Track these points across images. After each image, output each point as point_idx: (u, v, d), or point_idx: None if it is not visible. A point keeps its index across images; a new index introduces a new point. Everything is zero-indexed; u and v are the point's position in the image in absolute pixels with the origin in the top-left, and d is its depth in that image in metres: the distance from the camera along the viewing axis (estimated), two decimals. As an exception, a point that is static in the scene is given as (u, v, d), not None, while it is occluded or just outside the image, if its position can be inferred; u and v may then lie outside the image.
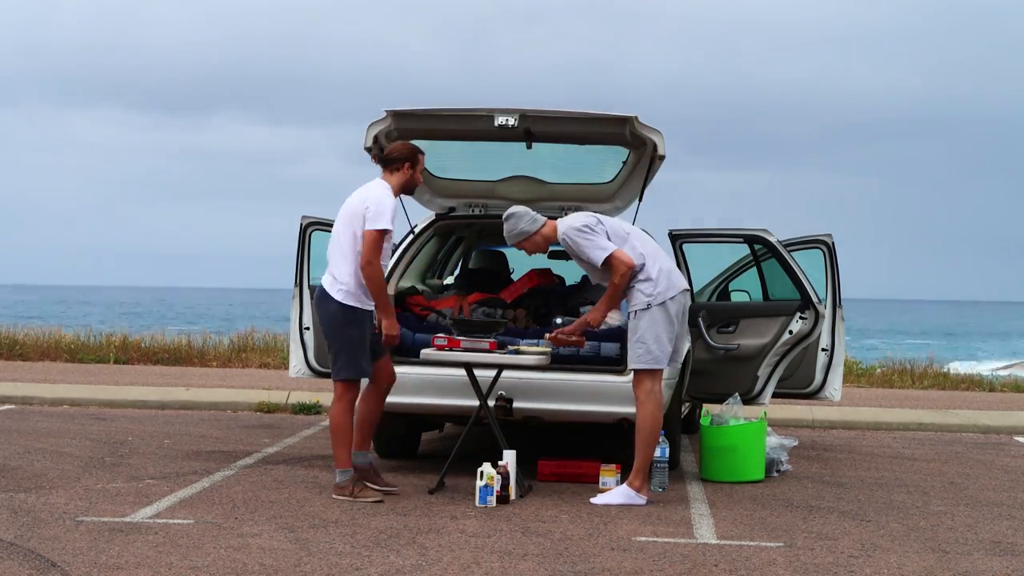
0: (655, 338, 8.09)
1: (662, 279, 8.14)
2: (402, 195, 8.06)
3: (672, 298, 8.14)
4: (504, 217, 8.33)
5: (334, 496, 8.00)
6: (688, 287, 8.46)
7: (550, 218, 8.41)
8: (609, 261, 8.06)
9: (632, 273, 8.10)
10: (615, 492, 8.16)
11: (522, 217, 8.29)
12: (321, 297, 8.04)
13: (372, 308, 8.00)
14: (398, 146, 8.20)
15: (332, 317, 7.97)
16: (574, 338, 8.43)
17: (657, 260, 8.20)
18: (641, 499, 8.09)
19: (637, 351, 8.11)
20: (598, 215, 8.34)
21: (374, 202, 7.89)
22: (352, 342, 7.96)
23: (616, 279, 8.09)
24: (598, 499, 8.12)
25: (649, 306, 8.11)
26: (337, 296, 7.92)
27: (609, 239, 8.12)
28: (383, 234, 7.86)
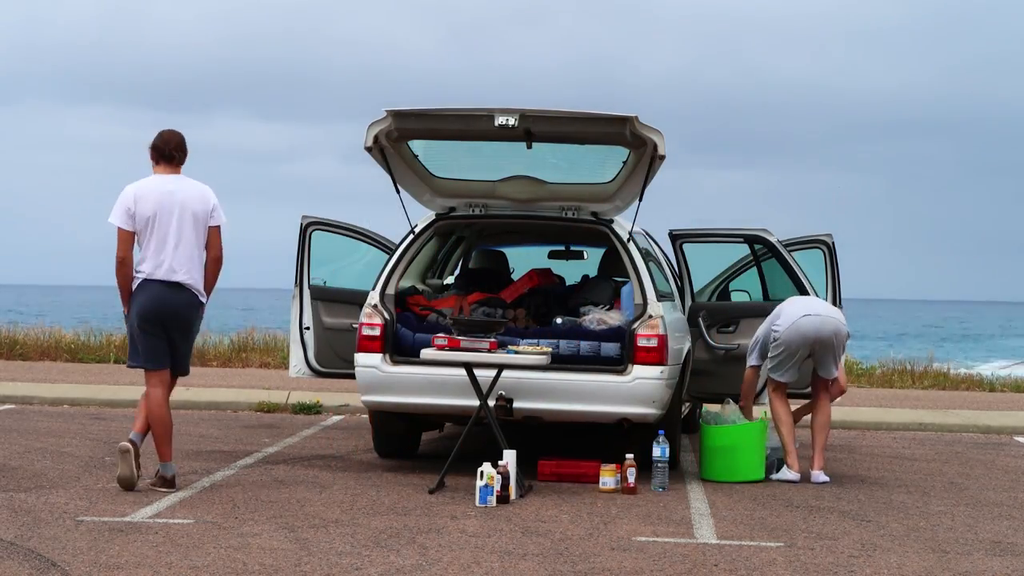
0: (779, 364, 9.29)
1: (785, 324, 9.20)
2: (401, 194, 7.93)
3: (787, 335, 9.20)
4: None
5: (159, 489, 8.03)
6: (809, 312, 9.22)
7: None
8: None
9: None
10: (783, 472, 9.18)
11: None
12: (194, 297, 8.17)
13: None
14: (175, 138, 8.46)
15: (197, 313, 8.25)
16: None
17: (787, 316, 9.24)
18: (795, 475, 9.16)
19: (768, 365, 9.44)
20: (783, 325, 9.21)
21: (216, 201, 8.25)
22: None
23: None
24: (775, 476, 9.17)
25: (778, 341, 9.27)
26: (200, 297, 8.22)
27: (776, 347, 9.29)
28: None
